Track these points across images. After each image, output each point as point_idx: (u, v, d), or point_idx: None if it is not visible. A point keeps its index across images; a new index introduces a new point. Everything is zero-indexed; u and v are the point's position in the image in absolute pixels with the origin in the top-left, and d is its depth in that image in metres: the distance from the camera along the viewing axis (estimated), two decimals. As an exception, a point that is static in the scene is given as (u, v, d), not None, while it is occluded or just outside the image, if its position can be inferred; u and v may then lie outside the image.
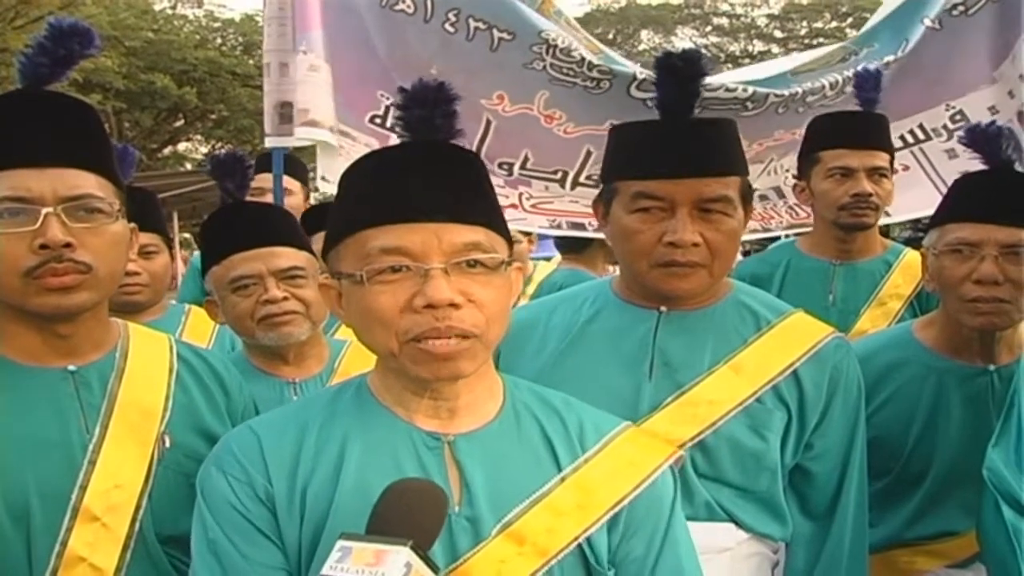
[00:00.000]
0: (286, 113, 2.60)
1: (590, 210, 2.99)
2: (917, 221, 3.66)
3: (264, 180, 2.91)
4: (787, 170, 3.26)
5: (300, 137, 2.60)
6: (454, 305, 1.18)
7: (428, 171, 1.23)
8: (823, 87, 3.02)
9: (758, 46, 29.09)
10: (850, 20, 26.65)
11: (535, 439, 1.31)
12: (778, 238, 3.58)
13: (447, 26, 2.75)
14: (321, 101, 2.58)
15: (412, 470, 1.23)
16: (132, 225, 1.50)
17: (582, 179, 3.04)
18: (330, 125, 2.58)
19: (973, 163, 1.99)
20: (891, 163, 2.63)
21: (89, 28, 1.43)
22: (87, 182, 1.39)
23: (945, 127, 3.22)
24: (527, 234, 3.98)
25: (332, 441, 1.26)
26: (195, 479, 1.45)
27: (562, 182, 3.04)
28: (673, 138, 1.59)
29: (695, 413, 1.60)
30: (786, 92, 2.97)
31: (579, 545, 1.26)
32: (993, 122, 1.99)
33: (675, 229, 1.56)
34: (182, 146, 25.03)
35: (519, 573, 1.22)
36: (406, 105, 1.26)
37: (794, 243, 2.86)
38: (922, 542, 1.97)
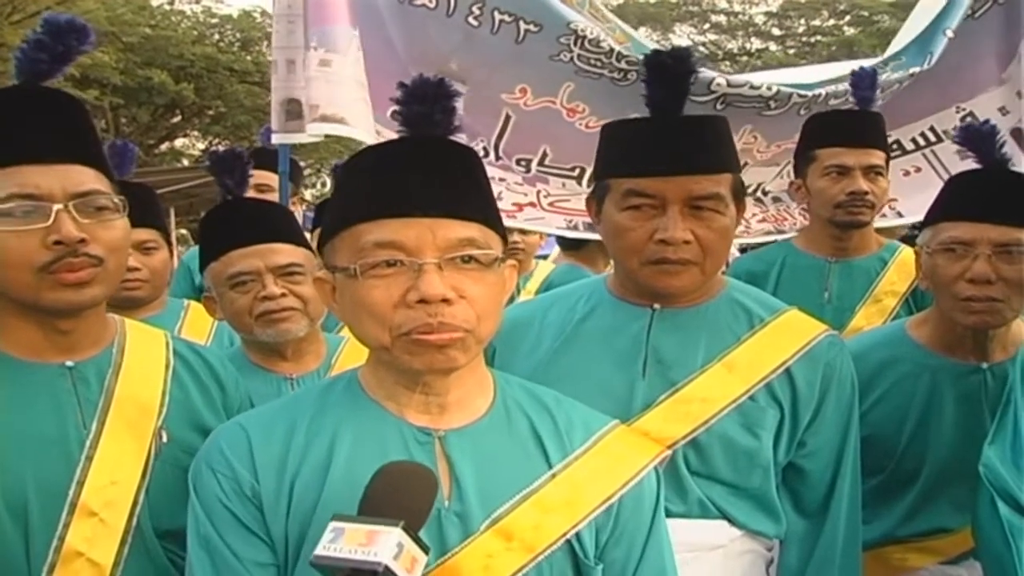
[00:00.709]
0: (293, 110, 2.59)
1: None
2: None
3: (259, 176, 2.91)
4: None
5: (312, 133, 2.59)
6: (447, 300, 1.19)
7: (424, 166, 1.24)
8: (846, 91, 3.03)
9: (756, 44, 29.08)
10: (848, 18, 26.64)
11: (525, 436, 1.31)
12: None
13: (471, 19, 2.72)
14: (335, 96, 2.57)
15: None
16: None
17: None
18: (344, 118, 2.55)
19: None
20: (887, 162, 2.64)
21: (85, 24, 1.43)
22: (90, 178, 1.40)
23: (956, 128, 3.23)
24: None
25: (322, 435, 1.27)
26: (192, 474, 1.46)
27: (579, 179, 3.03)
28: (664, 136, 1.60)
29: (688, 411, 1.61)
30: (809, 94, 2.96)
31: (568, 541, 1.27)
32: (987, 121, 2.01)
33: (666, 227, 1.57)
34: (179, 142, 24.97)
35: (507, 568, 1.23)
36: (406, 100, 1.27)
37: (790, 240, 2.87)
38: (915, 539, 1.98)
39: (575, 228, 3.08)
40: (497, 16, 2.73)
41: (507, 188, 2.91)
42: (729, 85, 2.78)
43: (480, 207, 1.26)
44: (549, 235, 4.75)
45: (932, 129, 3.25)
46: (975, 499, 1.71)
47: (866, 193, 2.54)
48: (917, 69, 3.04)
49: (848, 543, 1.70)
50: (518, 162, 2.93)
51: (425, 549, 1.09)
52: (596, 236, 3.14)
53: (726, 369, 1.63)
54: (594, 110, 2.89)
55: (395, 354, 1.23)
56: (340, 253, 1.26)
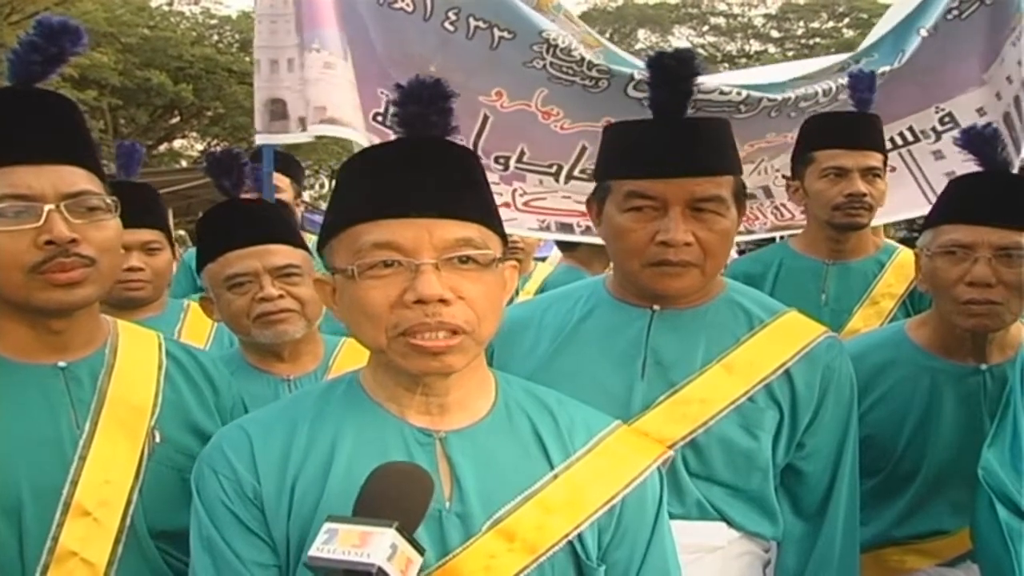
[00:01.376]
0: (276, 110, 2.59)
1: (580, 208, 3.01)
2: (912, 221, 3.67)
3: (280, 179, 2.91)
4: (777, 170, 3.27)
5: (315, 135, 2.60)
6: (444, 301, 1.19)
7: (422, 167, 1.23)
8: (816, 93, 3.04)
9: (755, 46, 29.13)
10: (847, 20, 26.70)
11: (526, 436, 1.31)
12: (772, 240, 3.59)
13: (447, 25, 2.76)
14: (339, 98, 2.58)
15: None
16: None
17: (576, 173, 3.05)
18: (350, 122, 2.56)
19: (959, 165, 2.00)
20: (884, 163, 2.64)
21: (78, 26, 1.43)
22: (82, 178, 1.40)
23: (934, 129, 3.24)
24: None
25: (323, 437, 1.27)
26: (186, 474, 1.46)
27: (556, 175, 3.06)
28: (666, 138, 1.60)
29: (687, 412, 1.61)
30: (779, 97, 2.98)
31: (570, 542, 1.27)
32: (989, 124, 2.00)
33: (667, 228, 1.57)
34: (178, 143, 24.98)
35: (508, 569, 1.23)
36: (402, 102, 1.27)
37: (787, 242, 2.87)
38: (912, 541, 1.97)
39: (547, 228, 3.11)
40: (472, 23, 2.76)
41: None
42: (699, 91, 2.80)
43: (478, 207, 1.26)
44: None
45: (911, 129, 3.26)
46: (973, 501, 1.71)
47: (864, 195, 2.54)
48: (887, 68, 3.05)
49: (846, 545, 1.70)
50: (496, 160, 2.95)
51: (420, 550, 1.09)
52: (566, 237, 3.18)
53: (725, 370, 1.63)
54: (568, 113, 2.94)
55: (391, 356, 1.23)
56: (339, 254, 1.26)
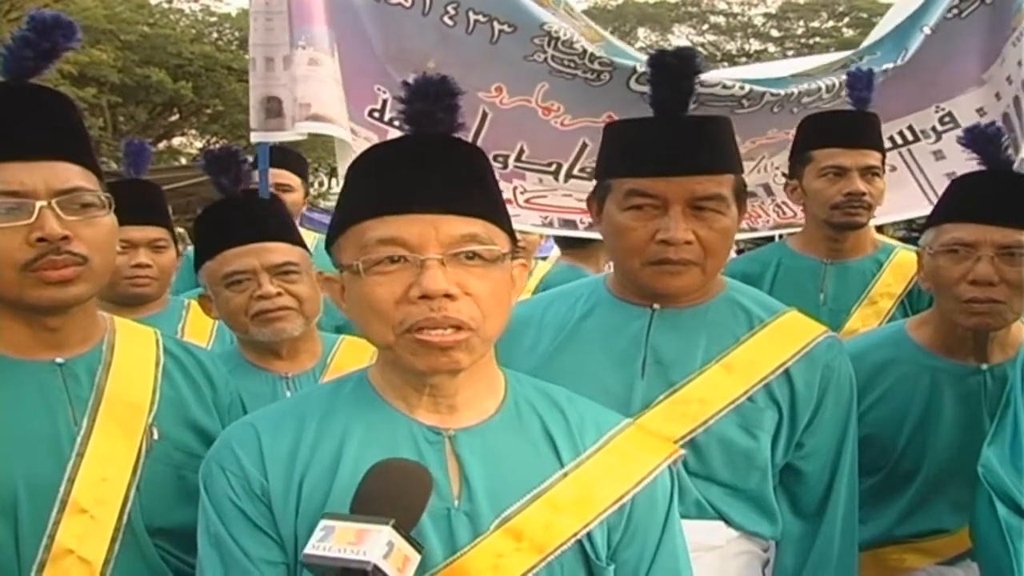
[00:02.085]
0: (272, 108, 2.58)
1: (582, 205, 3.00)
2: (911, 221, 3.67)
3: (276, 175, 2.91)
4: (777, 168, 3.26)
5: (302, 132, 2.59)
6: (449, 296, 1.18)
7: (427, 163, 1.23)
8: (819, 89, 3.02)
9: (755, 45, 29.14)
10: (847, 20, 26.71)
11: (536, 435, 1.30)
12: (770, 239, 3.58)
13: (446, 19, 2.75)
14: (326, 95, 2.57)
15: None
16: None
17: (576, 171, 3.04)
18: (335, 119, 2.56)
19: (959, 165, 2.00)
20: (883, 162, 2.64)
21: (71, 21, 1.42)
22: (75, 174, 1.39)
23: (934, 128, 3.23)
24: None
25: (331, 434, 1.26)
26: (184, 471, 1.46)
27: (556, 174, 3.05)
28: (667, 136, 1.59)
29: (686, 411, 1.60)
30: (782, 92, 2.97)
31: (579, 541, 1.26)
32: (993, 123, 2.00)
33: (668, 227, 1.56)
34: (177, 141, 24.95)
35: (516, 568, 1.22)
36: (408, 99, 1.26)
37: (785, 242, 2.86)
38: (912, 540, 1.97)
39: (550, 225, 3.10)
40: (471, 16, 2.75)
41: None
42: (702, 85, 2.80)
43: (484, 203, 1.25)
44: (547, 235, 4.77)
45: (911, 128, 3.25)
46: (973, 500, 1.71)
47: (863, 194, 2.53)
48: (890, 65, 3.04)
49: (845, 544, 1.69)
50: (495, 158, 2.94)
51: (418, 548, 1.09)
52: (570, 232, 3.17)
53: (725, 370, 1.63)
54: (568, 109, 2.91)
55: (398, 353, 1.22)
56: (345, 251, 1.26)
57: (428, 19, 2.74)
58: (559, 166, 3.03)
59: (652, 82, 1.62)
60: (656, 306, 1.68)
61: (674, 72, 1.60)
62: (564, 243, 4.07)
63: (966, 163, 2.01)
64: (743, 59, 27.24)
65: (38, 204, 1.34)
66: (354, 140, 2.72)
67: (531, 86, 2.87)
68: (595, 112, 2.88)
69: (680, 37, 28.45)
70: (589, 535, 1.26)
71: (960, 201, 1.95)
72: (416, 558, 1.08)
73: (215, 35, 23.34)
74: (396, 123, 2.79)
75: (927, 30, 3.09)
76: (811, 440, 1.68)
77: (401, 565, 1.06)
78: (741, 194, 1.65)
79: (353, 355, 2.09)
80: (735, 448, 1.62)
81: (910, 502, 1.98)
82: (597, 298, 1.75)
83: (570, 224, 3.10)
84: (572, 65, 2.83)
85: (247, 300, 1.97)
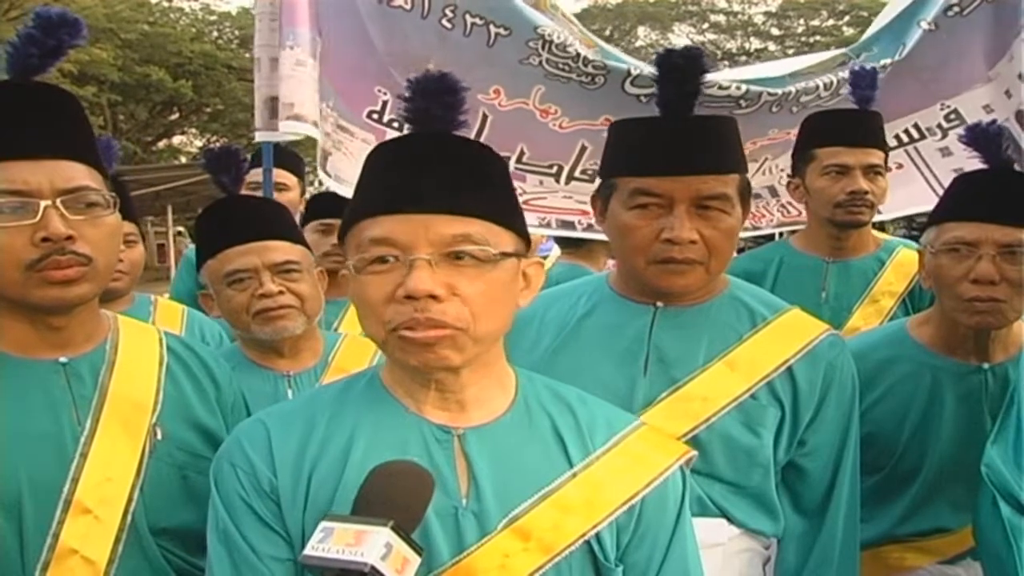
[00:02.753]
0: (276, 108, 2.60)
1: (581, 207, 3.01)
2: (911, 220, 3.66)
3: (274, 175, 2.91)
4: (782, 170, 3.26)
5: (284, 131, 2.61)
6: (435, 297, 1.17)
7: (423, 162, 1.22)
8: (817, 87, 3.03)
9: (755, 43, 29.14)
10: (847, 18, 26.70)
11: (546, 434, 1.30)
12: (771, 237, 3.58)
13: (444, 22, 2.77)
14: (306, 96, 2.60)
15: (421, 462, 1.21)
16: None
17: (576, 173, 3.05)
18: (313, 120, 2.59)
19: (966, 161, 1.99)
20: (886, 161, 2.64)
21: (77, 18, 1.41)
22: (80, 173, 1.38)
23: (939, 126, 3.23)
24: None
25: (340, 431, 1.26)
26: (187, 471, 1.45)
27: (556, 176, 3.06)
28: (672, 135, 1.59)
29: (689, 409, 1.60)
30: (779, 91, 2.98)
31: (587, 542, 1.25)
32: (994, 121, 1.99)
33: (673, 226, 1.57)
34: (177, 139, 24.98)
35: (523, 568, 1.22)
36: (409, 97, 1.26)
37: (787, 240, 2.86)
38: (913, 539, 1.97)
39: (548, 225, 3.11)
40: (469, 19, 2.77)
41: None
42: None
43: (482, 202, 1.23)
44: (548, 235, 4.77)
45: (916, 126, 3.26)
46: (976, 499, 1.71)
47: (866, 193, 2.53)
48: (888, 61, 3.04)
49: (846, 542, 1.70)
50: None
51: (418, 550, 1.08)
52: (567, 233, 3.18)
53: (728, 367, 1.63)
54: (565, 111, 2.93)
55: (390, 350, 1.23)
56: (348, 250, 1.26)
57: (427, 22, 2.76)
58: (560, 168, 3.04)
59: (658, 82, 1.62)
60: (659, 304, 1.68)
61: (681, 72, 1.60)
62: (564, 242, 4.07)
63: (971, 160, 2.01)
64: (743, 58, 27.26)
65: (42, 203, 1.33)
66: (351, 141, 2.74)
67: (528, 89, 2.89)
68: (592, 115, 2.88)
69: (680, 36, 28.48)
70: (598, 536, 1.26)
71: (961, 200, 1.94)
72: (416, 560, 1.08)
73: (215, 34, 23.36)
74: (395, 124, 2.80)
75: (925, 24, 3.09)
76: (813, 438, 1.68)
77: (400, 567, 1.05)
78: (746, 194, 1.65)
79: (354, 354, 2.09)
80: (737, 445, 1.62)
81: (911, 501, 1.97)
82: (599, 296, 1.75)
83: (568, 225, 3.11)
84: (567, 68, 2.85)
85: (249, 299, 1.97)
